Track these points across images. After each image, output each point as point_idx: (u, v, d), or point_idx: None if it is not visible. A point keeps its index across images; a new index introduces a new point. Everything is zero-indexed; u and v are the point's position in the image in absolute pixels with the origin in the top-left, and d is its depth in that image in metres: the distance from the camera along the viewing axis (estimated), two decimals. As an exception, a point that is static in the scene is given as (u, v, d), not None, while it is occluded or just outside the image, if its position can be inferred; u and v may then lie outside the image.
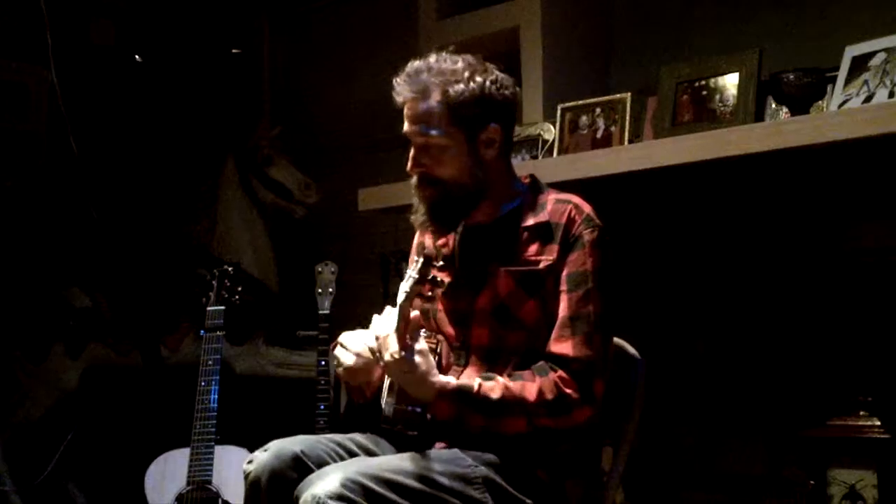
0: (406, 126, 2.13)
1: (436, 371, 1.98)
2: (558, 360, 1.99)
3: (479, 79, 2.08)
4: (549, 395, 1.96)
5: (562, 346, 2.00)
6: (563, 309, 2.02)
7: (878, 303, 2.74)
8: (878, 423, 2.57)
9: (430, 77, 2.07)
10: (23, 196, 4.22)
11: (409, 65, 2.11)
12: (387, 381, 2.04)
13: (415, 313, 1.94)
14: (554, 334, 2.02)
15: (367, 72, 4.17)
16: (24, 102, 4.31)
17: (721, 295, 3.08)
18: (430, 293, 1.94)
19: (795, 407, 2.87)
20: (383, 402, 2.02)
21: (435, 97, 2.06)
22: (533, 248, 2.08)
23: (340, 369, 2.09)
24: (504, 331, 2.06)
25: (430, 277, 1.90)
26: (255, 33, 4.80)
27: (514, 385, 1.98)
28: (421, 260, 1.90)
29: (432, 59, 2.10)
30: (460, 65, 2.09)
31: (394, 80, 2.10)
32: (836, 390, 2.73)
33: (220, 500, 3.03)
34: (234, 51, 4.74)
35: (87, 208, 3.61)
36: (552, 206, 2.11)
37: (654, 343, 2.47)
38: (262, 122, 4.56)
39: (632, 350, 2.23)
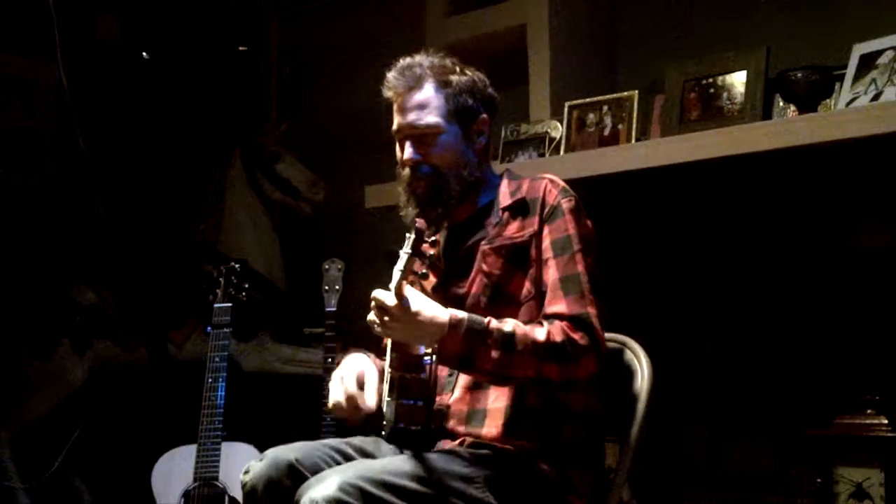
0: (399, 119, 2.17)
1: (441, 308, 1.96)
2: (556, 318, 2.00)
3: (468, 72, 2.20)
4: (558, 338, 1.96)
5: (556, 307, 2.01)
6: (552, 273, 2.05)
7: (885, 302, 2.74)
8: (885, 421, 2.58)
9: (424, 70, 2.15)
10: (30, 192, 4.23)
11: (399, 62, 2.19)
12: (387, 379, 2.01)
13: None
14: (547, 297, 2.04)
15: (375, 68, 4.14)
16: (32, 99, 4.32)
17: (728, 294, 3.07)
18: (423, 270, 1.96)
19: (802, 405, 2.87)
20: (384, 406, 2.00)
21: (431, 86, 2.14)
22: (514, 225, 2.13)
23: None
24: (497, 309, 2.06)
25: (421, 250, 1.89)
26: (261, 29, 4.80)
27: (524, 325, 1.99)
28: (413, 234, 1.89)
29: (419, 57, 2.19)
30: (448, 61, 2.20)
31: (386, 77, 2.18)
32: (843, 389, 2.74)
33: (226, 497, 3.03)
34: (240, 48, 4.74)
35: (93, 204, 3.60)
36: (527, 185, 2.18)
37: (661, 341, 2.47)
38: (268, 119, 4.56)
39: (638, 348, 2.23)
